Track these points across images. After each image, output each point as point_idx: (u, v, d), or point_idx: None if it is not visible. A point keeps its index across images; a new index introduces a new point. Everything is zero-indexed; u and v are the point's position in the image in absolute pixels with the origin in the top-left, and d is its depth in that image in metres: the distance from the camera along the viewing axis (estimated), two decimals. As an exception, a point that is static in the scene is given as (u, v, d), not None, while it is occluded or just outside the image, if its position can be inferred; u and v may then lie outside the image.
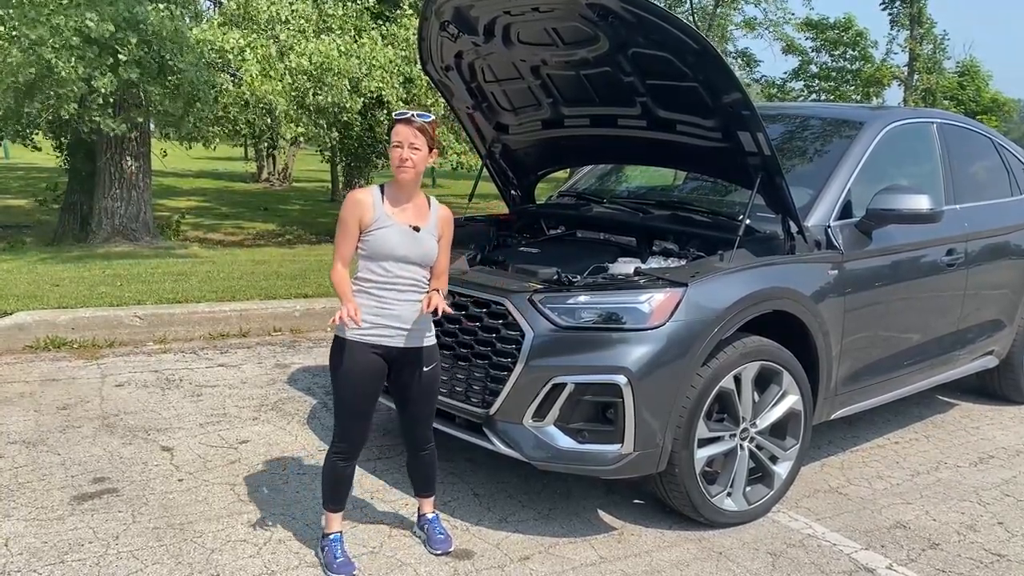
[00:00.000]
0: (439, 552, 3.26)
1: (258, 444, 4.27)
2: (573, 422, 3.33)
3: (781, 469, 3.75)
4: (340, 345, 3.05)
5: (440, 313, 3.01)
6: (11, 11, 7.46)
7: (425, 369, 3.13)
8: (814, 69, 29.89)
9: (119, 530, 3.33)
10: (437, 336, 3.62)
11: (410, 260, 3.01)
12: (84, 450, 4.09)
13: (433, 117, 3.03)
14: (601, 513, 3.70)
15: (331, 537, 3.16)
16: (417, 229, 3.03)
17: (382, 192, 3.05)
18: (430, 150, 3.00)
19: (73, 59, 7.55)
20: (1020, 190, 5.33)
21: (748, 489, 3.66)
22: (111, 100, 8.30)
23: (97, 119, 8.13)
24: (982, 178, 5.16)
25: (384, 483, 3.86)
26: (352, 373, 3.03)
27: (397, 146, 2.96)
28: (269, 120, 9.83)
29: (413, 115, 2.97)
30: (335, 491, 3.16)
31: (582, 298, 3.36)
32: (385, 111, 10.53)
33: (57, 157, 11.55)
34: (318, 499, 3.64)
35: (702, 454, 3.48)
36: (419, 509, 3.41)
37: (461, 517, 3.58)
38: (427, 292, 3.08)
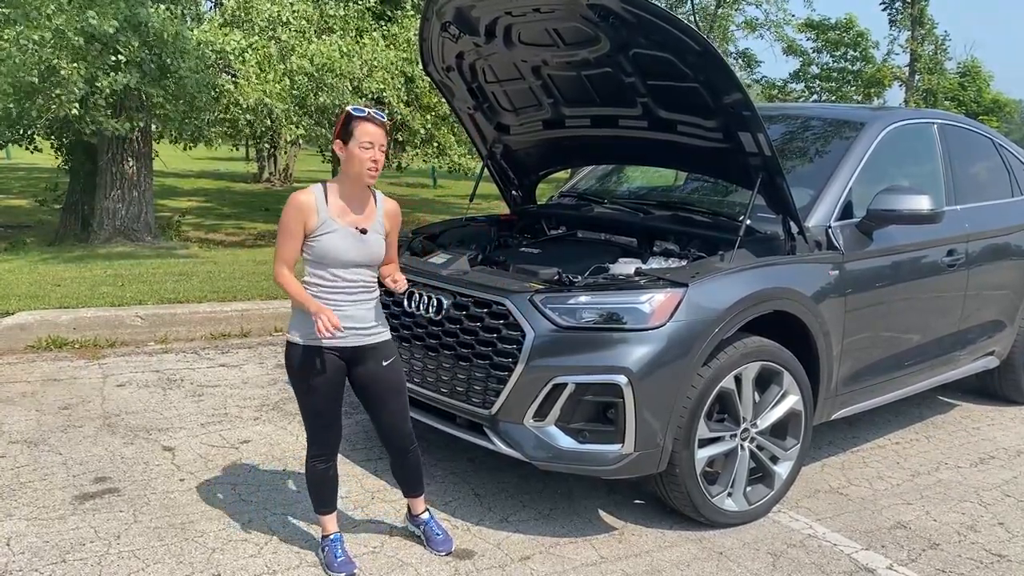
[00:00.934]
0: (442, 552, 3.25)
1: (259, 444, 4.27)
2: (574, 422, 3.33)
3: (782, 469, 3.75)
4: (295, 351, 2.99)
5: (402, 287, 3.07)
6: (12, 10, 7.47)
7: (384, 363, 3.07)
8: (815, 70, 29.90)
9: (120, 529, 3.33)
10: (438, 336, 3.66)
11: (358, 264, 2.94)
12: (85, 450, 4.10)
13: (385, 115, 2.96)
14: (602, 513, 3.70)
15: (330, 538, 3.16)
16: (364, 231, 2.94)
17: (325, 191, 2.94)
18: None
19: (75, 58, 7.56)
20: (1021, 191, 5.33)
21: (749, 489, 3.66)
22: (112, 101, 8.31)
23: (101, 120, 8.13)
24: (983, 179, 5.16)
25: (384, 483, 3.86)
26: (311, 377, 2.98)
27: (368, 147, 2.84)
28: (269, 121, 9.84)
29: (372, 112, 2.88)
30: (321, 494, 3.15)
31: (583, 298, 3.36)
32: (386, 111, 10.55)
33: (57, 157, 11.56)
34: (319, 499, 3.66)
35: (703, 454, 3.48)
36: (410, 510, 3.37)
37: (462, 517, 3.58)
38: (376, 291, 3.05)
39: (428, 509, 3.38)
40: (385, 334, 3.10)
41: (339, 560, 3.10)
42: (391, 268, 3.15)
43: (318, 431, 3.07)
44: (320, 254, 2.90)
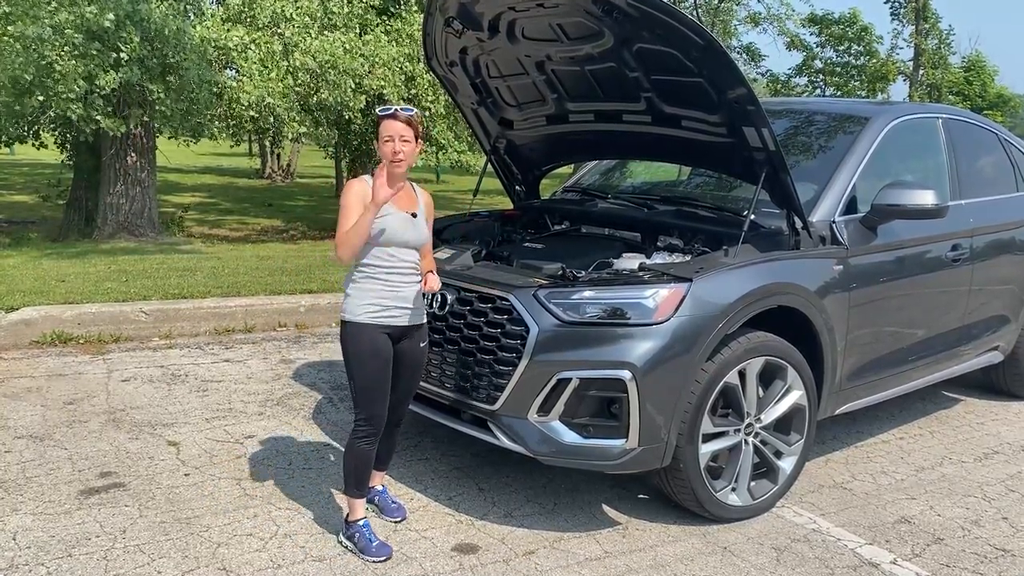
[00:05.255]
0: (398, 519, 3.45)
1: (264, 439, 4.28)
2: (578, 417, 3.33)
3: (786, 464, 3.75)
4: (351, 330, 3.15)
5: (437, 289, 3.21)
6: (14, 6, 7.47)
7: (421, 345, 3.30)
8: (819, 64, 29.82)
9: (126, 524, 3.34)
10: (443, 332, 3.67)
11: (410, 244, 3.17)
12: (91, 444, 4.11)
13: (416, 110, 3.17)
14: (606, 508, 3.71)
15: (360, 523, 3.23)
16: (415, 215, 3.20)
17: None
18: (416, 141, 3.13)
19: (75, 57, 7.55)
20: (1026, 185, 5.32)
21: (753, 484, 3.66)
22: (113, 98, 8.30)
23: (99, 118, 8.13)
24: (987, 174, 5.14)
25: (389, 477, 3.86)
26: (368, 355, 3.13)
27: (388, 140, 3.07)
28: (272, 119, 9.84)
29: (397, 110, 3.09)
30: (361, 475, 3.23)
31: (587, 293, 3.36)
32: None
33: (61, 153, 11.58)
34: (324, 493, 3.67)
35: (706, 449, 3.48)
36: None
37: (466, 512, 3.59)
38: (420, 273, 3.24)
39: (384, 484, 3.58)
40: (425, 316, 3.33)
41: (375, 544, 3.18)
42: (427, 262, 3.31)
43: (372, 409, 3.17)
44: (381, 234, 3.10)
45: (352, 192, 3.12)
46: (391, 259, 3.13)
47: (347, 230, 3.06)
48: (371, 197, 3.03)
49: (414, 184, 3.30)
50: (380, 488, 3.55)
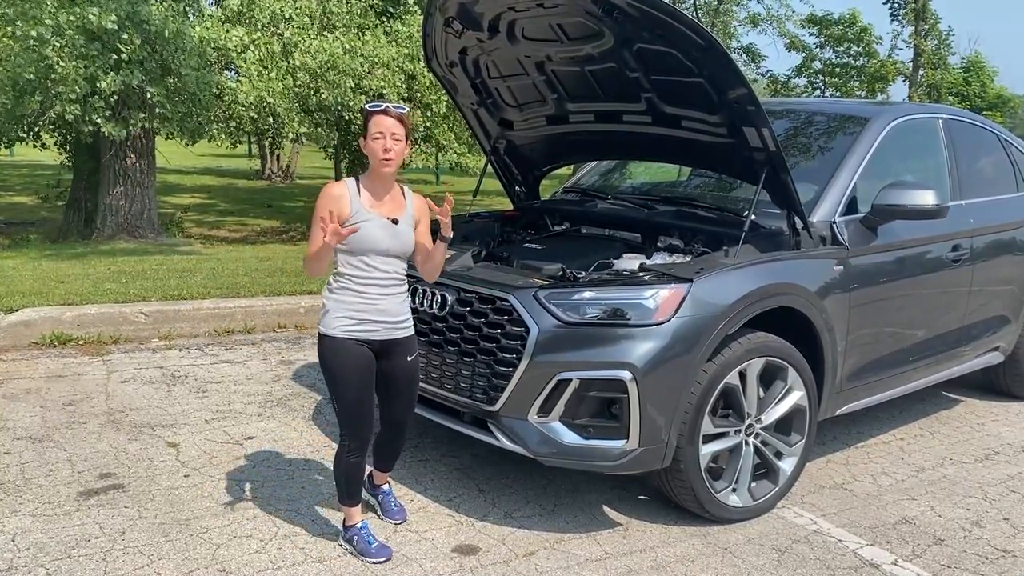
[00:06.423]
0: (399, 521, 3.44)
1: (263, 440, 4.28)
2: (578, 418, 3.33)
3: (786, 465, 3.75)
4: (328, 344, 3.04)
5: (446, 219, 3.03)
6: (12, 8, 7.47)
7: (408, 359, 3.18)
8: (818, 65, 29.86)
9: (125, 525, 3.34)
10: (441, 332, 3.66)
11: (391, 253, 3.02)
12: (90, 446, 4.10)
13: (407, 108, 3.05)
14: (606, 509, 3.70)
15: (358, 526, 3.21)
16: (396, 221, 3.04)
17: (358, 184, 3.05)
18: (407, 140, 3.02)
19: (75, 58, 7.54)
20: (1026, 186, 5.31)
21: (753, 485, 3.66)
22: (113, 100, 8.30)
23: (99, 122, 8.13)
24: (988, 174, 5.14)
25: (389, 479, 3.86)
26: (346, 370, 3.03)
27: (379, 137, 2.95)
28: (272, 120, 9.84)
29: (388, 107, 2.98)
30: (352, 486, 3.20)
31: (587, 294, 3.36)
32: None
33: (61, 154, 11.58)
34: (323, 495, 3.67)
35: (707, 450, 3.48)
36: (373, 480, 3.53)
37: (466, 513, 3.58)
38: (405, 284, 3.12)
39: (388, 483, 3.55)
40: (412, 328, 3.20)
41: (375, 545, 3.16)
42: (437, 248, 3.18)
43: (355, 425, 3.09)
44: (355, 243, 2.96)
45: (325, 198, 2.96)
46: (368, 269, 2.99)
47: (308, 255, 2.96)
48: (345, 207, 2.92)
49: (404, 188, 3.16)
50: (386, 488, 3.53)
